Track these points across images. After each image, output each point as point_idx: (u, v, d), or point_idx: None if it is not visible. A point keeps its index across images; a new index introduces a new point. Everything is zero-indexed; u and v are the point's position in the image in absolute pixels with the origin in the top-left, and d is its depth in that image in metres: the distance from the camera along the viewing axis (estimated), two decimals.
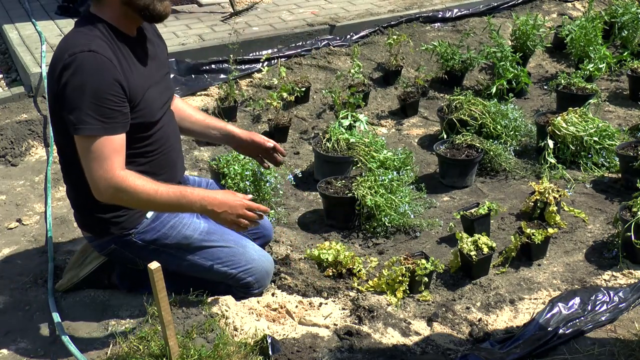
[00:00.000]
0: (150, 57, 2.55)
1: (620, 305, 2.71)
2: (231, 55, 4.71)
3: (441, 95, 5.07)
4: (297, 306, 2.79)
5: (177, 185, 2.45)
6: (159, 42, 2.70)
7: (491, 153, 3.92)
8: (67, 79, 2.24)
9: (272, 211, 3.48)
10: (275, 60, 5.04)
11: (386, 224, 3.33)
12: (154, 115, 2.49)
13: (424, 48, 5.16)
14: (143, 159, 2.51)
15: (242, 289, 2.76)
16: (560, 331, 2.55)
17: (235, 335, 2.51)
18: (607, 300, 2.71)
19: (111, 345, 2.52)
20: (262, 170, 3.39)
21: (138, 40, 2.50)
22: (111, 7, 2.38)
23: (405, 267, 2.85)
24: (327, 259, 2.98)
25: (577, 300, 2.69)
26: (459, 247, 2.99)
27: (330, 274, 2.98)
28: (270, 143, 2.89)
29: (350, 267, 2.98)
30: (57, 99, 2.31)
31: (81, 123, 2.24)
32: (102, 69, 2.26)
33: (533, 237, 3.04)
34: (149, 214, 2.59)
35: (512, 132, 4.15)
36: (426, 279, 2.87)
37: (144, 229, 2.58)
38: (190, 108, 2.93)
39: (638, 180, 3.32)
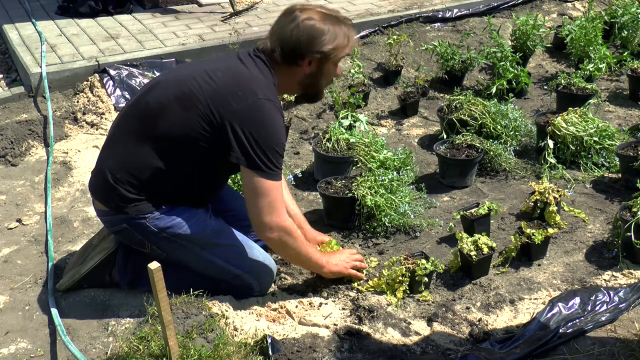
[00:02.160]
0: None
1: (620, 305, 2.71)
2: (227, 52, 4.71)
3: (441, 95, 5.07)
4: (297, 306, 2.79)
5: (314, 247, 2.86)
6: None
7: (491, 153, 3.91)
8: (258, 121, 2.45)
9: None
10: None
11: (386, 224, 3.33)
12: None
13: (424, 48, 5.16)
14: (210, 184, 2.73)
15: (244, 289, 2.77)
16: (561, 331, 2.55)
17: (235, 335, 2.51)
18: (607, 300, 2.71)
19: (111, 345, 2.53)
20: None
21: None
22: (288, 78, 2.62)
23: (405, 267, 2.85)
24: None
25: (577, 300, 2.69)
26: (459, 247, 2.99)
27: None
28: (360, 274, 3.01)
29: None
30: (233, 130, 2.44)
31: (267, 168, 2.47)
32: (282, 122, 2.55)
33: (533, 237, 3.04)
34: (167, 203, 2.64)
35: (512, 132, 4.15)
36: (426, 279, 2.87)
37: (159, 215, 2.60)
38: (292, 199, 3.10)
39: (638, 180, 3.32)
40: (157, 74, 4.82)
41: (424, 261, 2.87)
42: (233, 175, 3.37)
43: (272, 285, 2.92)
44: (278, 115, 2.51)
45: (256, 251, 2.79)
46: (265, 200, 2.49)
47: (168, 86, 2.57)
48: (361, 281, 2.94)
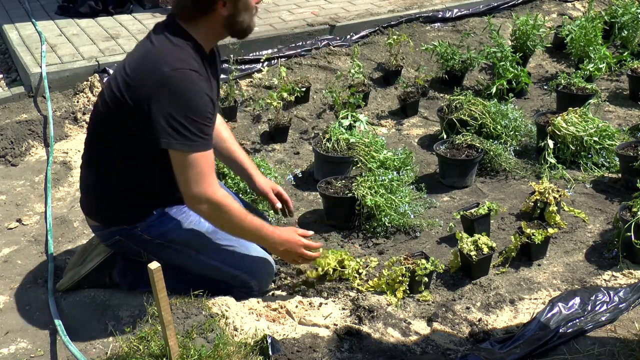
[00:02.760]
0: (217, 72, 2.68)
1: (620, 305, 2.71)
2: (231, 55, 4.71)
3: (441, 95, 5.07)
4: (297, 306, 2.79)
5: (258, 219, 2.62)
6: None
7: (491, 153, 3.92)
8: (169, 95, 2.32)
9: (272, 211, 3.48)
10: (275, 60, 5.04)
11: (386, 224, 3.33)
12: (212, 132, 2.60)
13: (424, 48, 5.16)
14: None
15: (243, 289, 2.77)
16: (561, 331, 2.55)
17: (235, 335, 2.51)
18: (607, 300, 2.71)
19: (111, 345, 2.53)
20: (262, 170, 3.39)
21: (213, 59, 2.61)
22: (209, 28, 2.47)
23: (405, 267, 2.85)
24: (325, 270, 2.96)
25: (577, 300, 2.69)
26: (459, 247, 2.99)
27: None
28: (279, 204, 3.03)
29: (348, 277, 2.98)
30: (150, 108, 2.34)
31: (185, 140, 2.34)
32: (202, 88, 2.37)
33: (533, 237, 3.04)
34: (157, 209, 2.62)
35: (512, 132, 4.15)
36: (426, 279, 2.87)
37: (151, 222, 2.59)
38: (226, 130, 2.99)
39: (638, 180, 3.32)
40: None
41: (424, 261, 2.87)
42: (233, 176, 3.38)
43: (272, 285, 2.92)
44: (190, 82, 2.35)
45: (254, 251, 2.78)
46: (191, 171, 2.38)
47: (105, 89, 2.56)
48: (356, 280, 2.93)
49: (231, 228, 2.59)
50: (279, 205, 3.02)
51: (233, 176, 3.36)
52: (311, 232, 2.79)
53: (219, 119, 2.89)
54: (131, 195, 2.58)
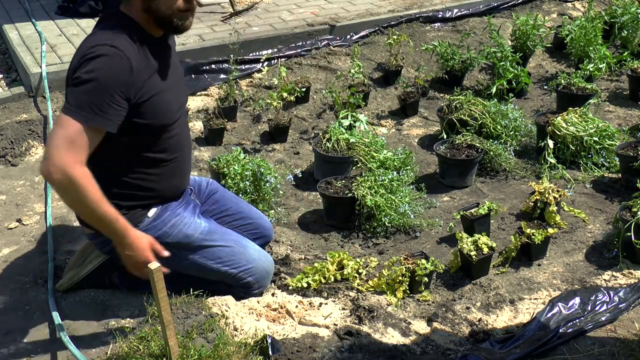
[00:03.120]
0: (170, 59, 2.59)
1: (620, 305, 2.71)
2: (231, 55, 4.71)
3: (441, 95, 5.07)
4: (297, 306, 2.79)
5: (114, 210, 2.35)
6: (174, 44, 2.73)
7: (491, 153, 3.92)
8: (82, 65, 2.26)
9: (272, 211, 3.48)
10: (275, 60, 5.04)
11: (386, 224, 3.33)
12: (169, 118, 2.52)
13: (424, 48, 5.16)
14: (158, 165, 2.55)
15: (242, 288, 2.77)
16: (561, 331, 2.55)
17: (235, 335, 2.51)
18: (607, 300, 2.71)
19: (111, 345, 2.53)
20: (262, 170, 3.39)
21: (161, 42, 2.53)
22: (136, 10, 2.42)
23: (405, 267, 2.85)
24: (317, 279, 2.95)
25: (577, 300, 2.69)
26: (459, 247, 2.99)
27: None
28: None
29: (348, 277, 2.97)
30: (68, 83, 2.31)
31: (77, 107, 2.22)
32: (116, 64, 2.27)
33: (533, 237, 3.04)
34: (151, 213, 2.60)
35: (512, 132, 4.15)
36: (426, 279, 2.87)
37: (145, 227, 2.58)
38: None
39: (638, 180, 3.32)
40: None
41: (424, 261, 2.87)
42: (233, 176, 3.37)
43: (272, 285, 2.92)
44: (103, 55, 2.26)
45: (251, 249, 2.78)
46: (61, 133, 2.21)
47: None
48: (357, 281, 2.93)
49: (81, 209, 2.36)
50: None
51: (233, 176, 3.36)
52: (167, 253, 2.47)
53: None
54: (118, 197, 2.52)
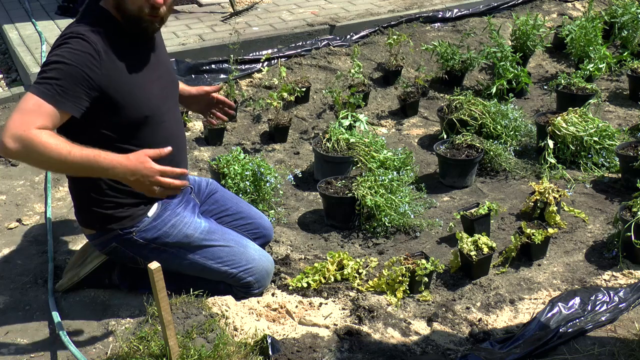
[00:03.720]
0: (151, 52, 2.57)
1: (620, 305, 2.71)
2: (231, 55, 4.72)
3: (441, 95, 5.07)
4: (297, 306, 2.79)
5: (92, 149, 2.25)
6: (160, 37, 2.71)
7: (491, 153, 3.92)
8: (50, 53, 2.32)
9: (272, 211, 3.48)
10: (275, 60, 5.04)
11: (386, 224, 3.33)
12: (150, 110, 2.49)
13: (424, 48, 5.16)
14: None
15: (243, 288, 2.77)
16: (561, 331, 2.55)
17: (235, 335, 2.51)
18: (607, 300, 2.71)
19: (111, 345, 2.53)
20: (262, 170, 3.39)
21: (139, 37, 2.51)
22: (111, 6, 2.43)
23: (405, 267, 2.85)
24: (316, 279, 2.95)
25: (577, 300, 2.69)
26: (459, 247, 2.99)
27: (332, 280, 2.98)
28: (217, 94, 2.93)
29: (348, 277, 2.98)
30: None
31: (38, 84, 2.23)
32: (82, 48, 2.29)
33: (533, 237, 3.04)
34: (151, 213, 2.60)
35: (512, 132, 4.15)
36: (426, 279, 2.87)
37: (145, 227, 2.58)
38: None
39: (638, 180, 3.32)
40: None
41: (424, 261, 2.87)
42: (233, 176, 3.37)
43: (272, 285, 2.92)
44: (69, 43, 2.30)
45: (251, 249, 2.78)
46: (18, 107, 2.22)
47: None
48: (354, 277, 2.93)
49: (55, 166, 2.27)
50: (217, 95, 2.91)
51: (233, 176, 3.37)
52: (167, 149, 2.33)
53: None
54: (118, 193, 2.53)
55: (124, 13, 2.41)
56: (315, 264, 3.00)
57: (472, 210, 3.27)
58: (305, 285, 2.88)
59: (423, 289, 2.89)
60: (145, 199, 2.57)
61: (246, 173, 3.39)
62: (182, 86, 2.93)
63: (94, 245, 2.73)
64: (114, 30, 2.41)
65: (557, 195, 3.37)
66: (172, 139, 2.59)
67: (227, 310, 2.60)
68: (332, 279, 2.93)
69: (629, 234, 2.98)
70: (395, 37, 5.07)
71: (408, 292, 2.87)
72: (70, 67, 2.26)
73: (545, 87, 5.20)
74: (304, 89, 4.69)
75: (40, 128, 2.18)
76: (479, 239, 2.99)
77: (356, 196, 3.33)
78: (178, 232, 2.62)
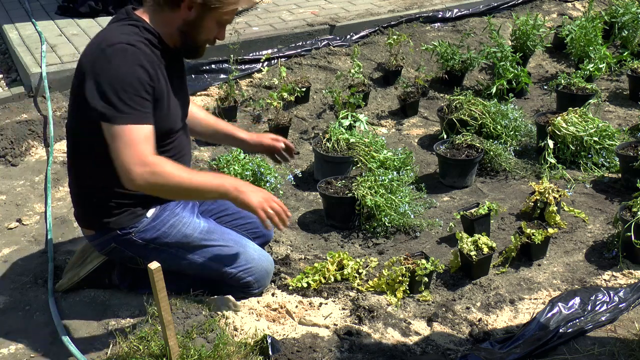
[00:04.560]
0: (181, 67, 2.66)
1: (620, 305, 2.71)
2: (231, 55, 4.71)
3: (441, 95, 5.07)
4: (297, 306, 2.79)
5: (205, 172, 2.52)
6: None
7: (491, 153, 3.92)
8: (100, 68, 2.29)
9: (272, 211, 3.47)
10: (275, 60, 5.04)
11: (386, 224, 3.33)
12: (176, 124, 2.56)
13: (424, 48, 5.16)
14: None
15: (242, 288, 2.77)
16: (561, 331, 2.55)
17: (235, 335, 2.51)
18: (607, 300, 2.71)
19: (111, 345, 2.53)
20: (262, 170, 3.39)
21: (174, 52, 2.57)
22: (167, 25, 2.45)
23: (405, 267, 2.85)
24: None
25: (577, 300, 2.69)
26: (459, 247, 2.99)
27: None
28: (281, 143, 2.93)
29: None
30: (85, 85, 2.31)
31: (113, 112, 2.26)
32: (136, 60, 2.30)
33: (533, 237, 3.04)
34: (149, 213, 2.60)
35: (512, 132, 4.15)
36: (426, 279, 2.87)
37: (144, 227, 2.58)
38: (201, 111, 2.97)
39: (638, 180, 3.32)
40: None
41: (424, 261, 2.87)
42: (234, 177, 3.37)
43: (272, 285, 2.92)
44: (122, 53, 2.30)
45: (250, 249, 2.77)
46: (119, 145, 2.26)
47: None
48: (356, 281, 2.93)
49: (178, 192, 2.40)
50: (280, 144, 2.91)
51: (233, 176, 3.36)
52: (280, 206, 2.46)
53: (191, 104, 2.86)
54: (120, 196, 2.53)
55: (190, 38, 2.48)
56: (315, 264, 3.00)
57: (472, 210, 3.27)
58: (305, 285, 2.88)
59: (423, 289, 2.89)
60: (143, 200, 2.56)
61: (246, 173, 3.39)
62: (241, 134, 2.95)
63: (93, 245, 2.73)
64: (156, 44, 2.44)
65: (557, 195, 3.37)
66: (182, 147, 2.64)
67: (227, 310, 2.60)
68: (332, 279, 2.93)
69: (629, 234, 2.98)
70: (395, 37, 5.07)
71: (408, 292, 2.87)
72: (135, 82, 2.29)
73: (545, 87, 5.20)
74: (304, 89, 4.69)
75: (151, 152, 2.29)
76: (479, 239, 2.99)
77: (356, 196, 3.33)
78: (177, 232, 2.62)
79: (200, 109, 3.00)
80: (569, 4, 6.44)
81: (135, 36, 2.37)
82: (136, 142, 2.26)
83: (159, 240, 2.60)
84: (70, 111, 2.54)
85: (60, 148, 4.22)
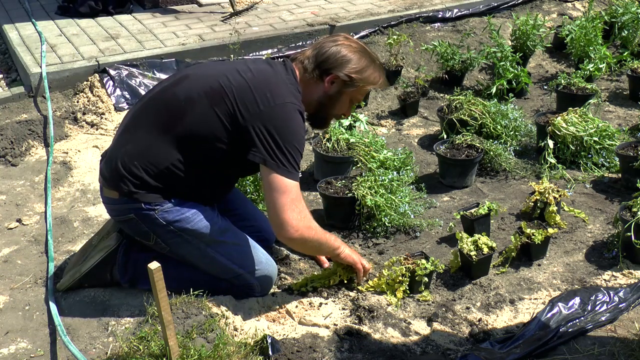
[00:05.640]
0: None
1: (620, 305, 2.71)
2: (231, 55, 4.72)
3: (441, 95, 5.07)
4: (297, 306, 2.79)
5: (330, 233, 2.84)
6: None
7: (491, 153, 3.91)
8: (279, 123, 2.49)
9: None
10: None
11: (386, 224, 3.33)
12: None
13: (424, 48, 5.16)
14: (220, 183, 2.78)
15: (245, 289, 2.78)
16: (561, 331, 2.55)
17: (235, 335, 2.51)
18: (607, 300, 2.71)
19: (111, 345, 2.53)
20: None
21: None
22: (309, 94, 2.66)
23: (405, 267, 2.85)
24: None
25: (577, 300, 2.69)
26: (459, 247, 2.99)
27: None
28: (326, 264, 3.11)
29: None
30: (260, 124, 2.48)
31: (290, 167, 2.50)
32: (304, 127, 2.59)
33: (533, 237, 3.04)
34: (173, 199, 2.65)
35: (512, 132, 4.15)
36: (426, 279, 2.87)
37: (169, 208, 2.60)
38: None
39: (638, 180, 3.32)
40: (157, 74, 4.82)
41: (424, 261, 2.87)
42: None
43: (273, 286, 2.92)
44: (300, 119, 2.56)
45: (259, 252, 2.80)
46: (286, 197, 2.50)
47: (198, 80, 2.60)
48: (357, 283, 2.93)
49: (317, 248, 2.77)
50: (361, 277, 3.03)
51: None
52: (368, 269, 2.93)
53: None
54: (180, 183, 2.60)
55: (323, 111, 2.74)
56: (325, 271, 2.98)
57: (472, 210, 3.27)
58: (310, 289, 2.88)
59: (423, 289, 2.89)
60: (185, 194, 2.66)
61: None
62: None
63: (108, 209, 2.73)
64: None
65: (557, 195, 3.37)
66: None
67: (227, 310, 2.60)
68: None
69: (629, 234, 2.98)
70: (395, 37, 5.07)
71: (408, 292, 2.87)
72: (302, 147, 2.58)
73: (545, 87, 5.20)
74: None
75: (310, 217, 2.63)
76: (479, 239, 2.99)
77: (356, 196, 3.33)
78: (199, 221, 2.64)
79: None
80: (569, 4, 6.45)
81: (299, 100, 2.59)
82: (299, 200, 2.56)
83: (179, 224, 2.61)
84: (204, 114, 2.53)
85: (60, 148, 4.22)
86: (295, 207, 2.52)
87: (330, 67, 2.64)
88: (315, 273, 2.99)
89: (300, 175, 2.58)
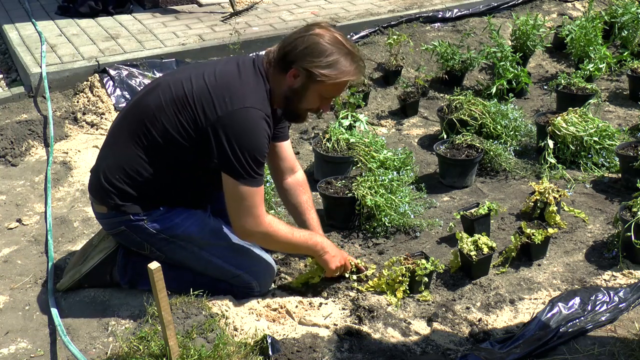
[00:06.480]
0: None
1: (620, 305, 2.71)
2: (231, 56, 4.71)
3: (441, 95, 5.07)
4: (297, 306, 2.79)
5: (304, 229, 2.83)
6: None
7: (491, 153, 3.91)
8: (235, 129, 2.42)
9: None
10: None
11: (386, 224, 3.33)
12: None
13: (424, 48, 5.16)
14: (204, 188, 2.74)
15: (244, 289, 2.78)
16: (561, 331, 2.55)
17: (235, 335, 2.51)
18: (607, 300, 2.71)
19: (111, 345, 2.53)
20: None
21: (277, 116, 2.69)
22: (277, 88, 2.55)
23: (405, 267, 2.85)
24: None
25: (577, 300, 2.69)
26: (459, 247, 2.99)
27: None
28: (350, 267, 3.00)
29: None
30: (215, 137, 2.43)
31: (246, 174, 2.45)
32: (266, 132, 2.48)
33: (533, 237, 3.04)
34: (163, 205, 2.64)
35: (512, 132, 4.15)
36: (426, 279, 2.87)
37: (157, 217, 2.60)
38: (306, 193, 3.01)
39: (638, 180, 3.32)
40: (157, 74, 4.82)
41: (424, 261, 2.87)
42: None
43: (272, 285, 2.92)
44: (260, 123, 2.45)
45: (256, 251, 2.79)
46: (243, 204, 2.49)
47: (169, 87, 2.56)
48: (356, 278, 2.93)
49: (285, 248, 2.81)
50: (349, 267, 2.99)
51: None
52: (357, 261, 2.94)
53: (303, 180, 3.01)
54: (162, 191, 2.60)
55: (290, 106, 2.58)
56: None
57: (472, 210, 3.27)
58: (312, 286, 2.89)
59: (423, 289, 2.89)
60: (168, 200, 2.65)
61: None
62: (314, 230, 2.96)
63: (101, 223, 2.74)
64: (270, 101, 2.56)
65: (557, 195, 3.37)
66: None
67: (227, 310, 2.61)
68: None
69: (629, 234, 2.98)
70: (395, 37, 5.07)
71: (408, 292, 2.87)
72: (264, 153, 2.49)
73: (545, 87, 5.19)
74: None
75: (266, 214, 2.57)
76: (479, 239, 2.99)
77: (356, 196, 3.33)
78: (189, 226, 2.64)
79: (308, 192, 3.02)
80: (569, 4, 6.44)
81: (263, 100, 2.50)
82: (255, 205, 2.50)
83: (170, 231, 2.62)
84: (171, 121, 2.50)
85: (60, 148, 4.22)
86: (250, 212, 2.50)
87: (292, 60, 2.46)
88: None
89: (264, 179, 2.57)
